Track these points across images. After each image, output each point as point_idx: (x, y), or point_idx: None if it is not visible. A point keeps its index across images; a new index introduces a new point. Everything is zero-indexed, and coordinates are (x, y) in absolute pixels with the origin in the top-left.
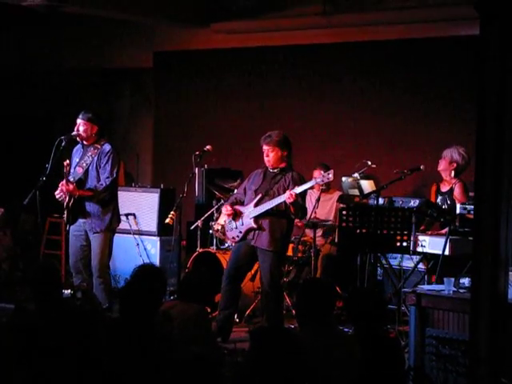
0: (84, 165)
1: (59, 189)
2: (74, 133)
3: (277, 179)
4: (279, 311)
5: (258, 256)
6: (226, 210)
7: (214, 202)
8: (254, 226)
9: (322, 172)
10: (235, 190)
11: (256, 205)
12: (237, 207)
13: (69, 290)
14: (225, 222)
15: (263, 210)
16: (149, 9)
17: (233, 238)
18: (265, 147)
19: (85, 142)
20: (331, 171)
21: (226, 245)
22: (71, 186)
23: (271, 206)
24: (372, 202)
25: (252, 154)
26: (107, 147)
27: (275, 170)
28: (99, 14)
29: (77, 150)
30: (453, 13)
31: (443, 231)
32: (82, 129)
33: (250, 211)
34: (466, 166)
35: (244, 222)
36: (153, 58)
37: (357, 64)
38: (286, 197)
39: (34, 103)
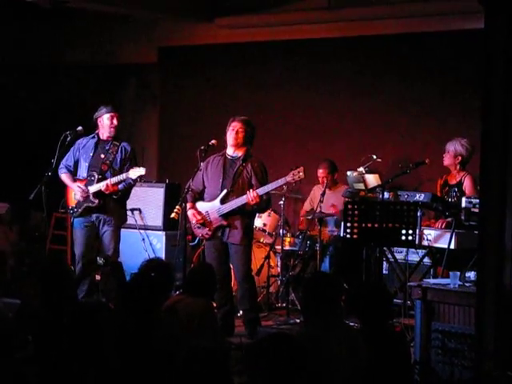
0: (108, 162)
1: (85, 188)
2: (113, 126)
3: (238, 171)
4: (255, 302)
5: (230, 249)
6: (196, 219)
7: None
8: (225, 223)
9: (293, 171)
10: (190, 181)
11: (222, 201)
12: (203, 213)
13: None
14: (193, 224)
15: (231, 209)
16: (153, 4)
17: (202, 235)
18: (235, 124)
19: (102, 137)
20: (301, 168)
21: (196, 241)
22: (114, 188)
23: (238, 205)
24: (386, 195)
25: (256, 148)
26: (128, 147)
27: (233, 156)
28: (103, 9)
29: (84, 145)
30: (458, 6)
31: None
32: (116, 122)
33: (217, 208)
34: (470, 156)
35: (213, 220)
36: (157, 53)
37: (361, 58)
38: (249, 199)
39: (39, 99)
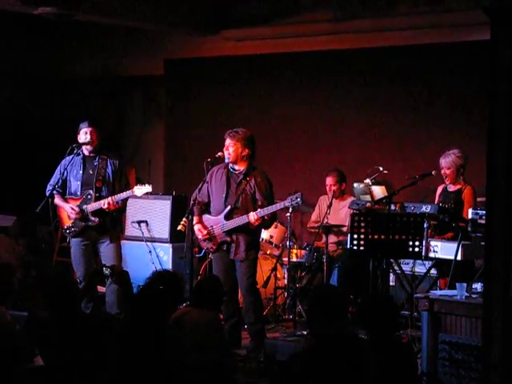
0: (100, 178)
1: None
2: (86, 141)
3: (242, 187)
4: (260, 314)
5: (236, 264)
6: (202, 234)
7: None
8: (228, 239)
9: (291, 196)
10: (195, 193)
11: (226, 217)
12: (208, 227)
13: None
14: (199, 238)
15: (234, 226)
16: (159, 16)
17: (207, 248)
18: (227, 141)
19: (86, 153)
20: (299, 194)
21: (202, 253)
22: (116, 205)
23: (240, 223)
24: (393, 207)
25: (263, 160)
26: (116, 160)
27: (236, 170)
28: (110, 22)
29: (71, 163)
30: (463, 18)
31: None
32: (94, 136)
33: (222, 224)
34: (467, 162)
35: (217, 235)
36: (163, 65)
37: (367, 70)
38: (251, 220)
39: (45, 112)
